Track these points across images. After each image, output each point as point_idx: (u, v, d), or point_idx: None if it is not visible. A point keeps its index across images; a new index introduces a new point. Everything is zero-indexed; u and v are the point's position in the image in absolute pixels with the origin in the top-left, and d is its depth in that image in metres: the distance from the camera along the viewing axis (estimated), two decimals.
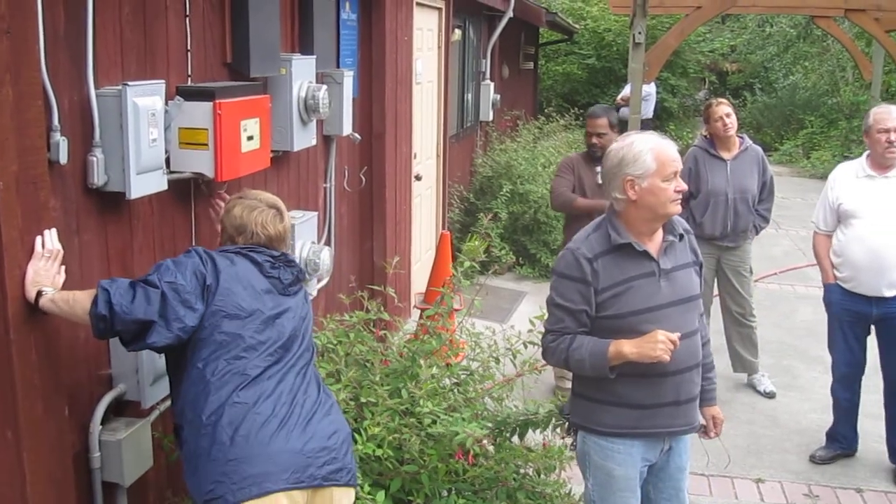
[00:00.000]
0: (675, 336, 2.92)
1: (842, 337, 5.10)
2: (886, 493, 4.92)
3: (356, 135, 5.46)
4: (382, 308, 3.98)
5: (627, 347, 2.94)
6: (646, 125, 15.15)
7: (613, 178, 3.03)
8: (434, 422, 3.42)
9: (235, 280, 2.76)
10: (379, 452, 3.34)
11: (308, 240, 4.41)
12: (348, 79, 5.15)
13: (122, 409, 3.28)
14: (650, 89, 14.46)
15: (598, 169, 5.21)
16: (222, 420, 2.62)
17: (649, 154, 2.96)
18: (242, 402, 2.65)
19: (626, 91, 13.91)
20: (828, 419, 5.57)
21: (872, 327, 5.05)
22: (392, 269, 4.05)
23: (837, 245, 5.00)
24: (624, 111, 14.29)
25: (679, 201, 3.00)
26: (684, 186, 3.01)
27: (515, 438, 3.87)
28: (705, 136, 6.03)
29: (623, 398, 3.06)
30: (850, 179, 4.99)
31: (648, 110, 14.40)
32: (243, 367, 2.70)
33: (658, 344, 2.89)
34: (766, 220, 6.11)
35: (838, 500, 4.84)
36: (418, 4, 6.99)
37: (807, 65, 21.56)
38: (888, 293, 4.83)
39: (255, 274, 2.82)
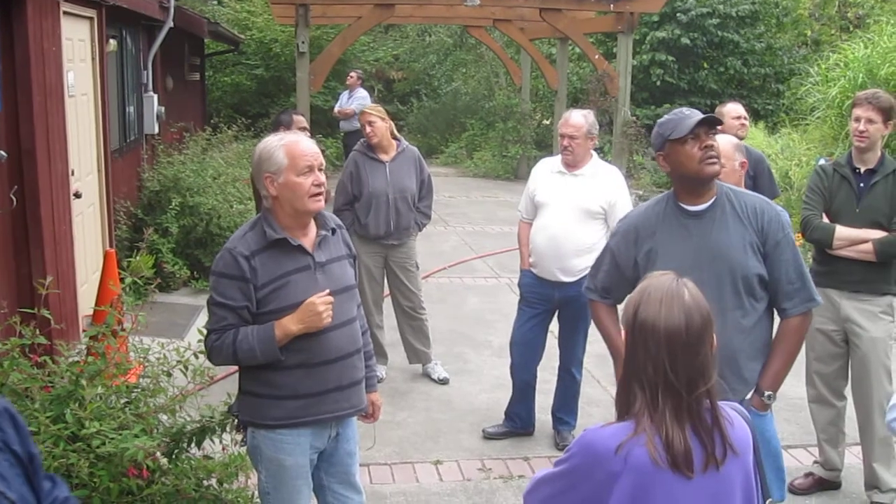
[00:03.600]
0: (326, 294, 3.04)
1: (526, 318, 5.47)
2: (550, 458, 5.34)
3: (1, 152, 5.12)
4: (38, 332, 3.78)
5: (292, 324, 3.03)
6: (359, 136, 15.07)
7: (258, 176, 3.12)
8: (103, 442, 3.32)
9: None
10: None
11: None
12: None
13: None
14: (363, 93, 14.65)
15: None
16: None
17: (280, 150, 3.07)
18: None
19: (349, 105, 13.99)
20: (497, 397, 6.01)
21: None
22: (45, 290, 3.85)
23: (531, 233, 5.39)
24: (343, 124, 14.40)
25: (319, 197, 3.09)
26: (322, 179, 3.10)
27: (195, 449, 3.84)
28: (364, 141, 6.28)
29: (288, 389, 3.13)
30: (546, 173, 5.39)
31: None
32: None
33: (321, 312, 3.02)
34: (428, 217, 6.46)
35: (509, 470, 5.21)
36: (66, 14, 6.66)
37: (464, 71, 22.89)
38: (565, 279, 5.24)
39: None
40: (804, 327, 3.42)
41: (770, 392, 3.38)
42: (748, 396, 3.39)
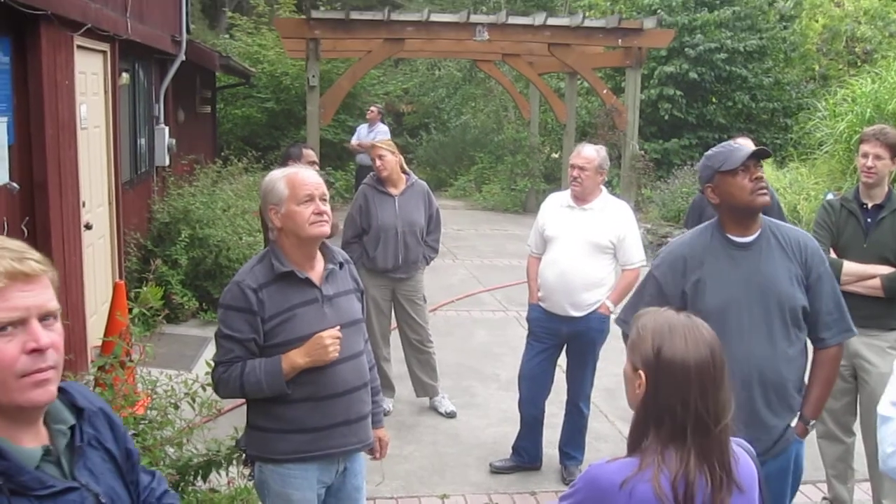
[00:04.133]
0: (336, 329, 3.07)
1: (534, 353, 5.45)
2: (557, 493, 5.28)
3: (14, 184, 5.17)
4: None
5: (300, 358, 3.04)
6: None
7: (265, 211, 3.16)
8: None
9: None
10: None
11: None
12: (1, 125, 4.88)
13: None
14: (384, 128, 14.81)
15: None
16: None
17: (282, 182, 3.11)
18: None
19: (370, 139, 14.06)
20: (505, 431, 5.98)
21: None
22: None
23: (541, 267, 5.40)
24: (360, 157, 14.47)
25: (322, 223, 3.10)
26: (324, 208, 3.11)
27: (201, 482, 3.84)
28: (374, 174, 6.32)
29: (295, 423, 3.13)
30: (556, 208, 5.40)
31: None
32: None
33: (328, 346, 3.03)
34: (435, 251, 6.48)
35: None
36: (80, 47, 6.74)
37: (474, 105, 23.02)
38: (575, 313, 5.24)
39: None
40: (840, 356, 3.53)
41: (814, 420, 3.48)
42: (793, 424, 3.45)
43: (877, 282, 4.53)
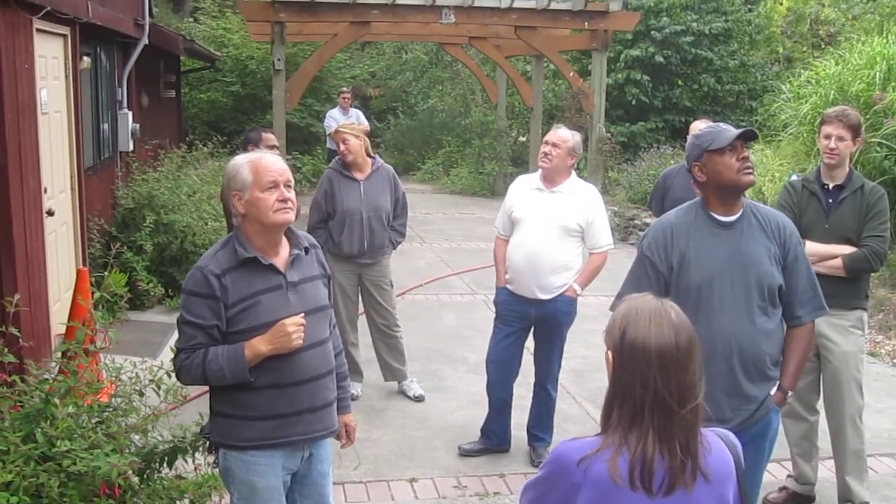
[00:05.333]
0: (300, 317, 3.05)
1: (502, 336, 5.47)
2: (525, 475, 5.34)
3: None
4: (6, 350, 3.74)
5: (263, 345, 3.01)
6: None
7: (227, 195, 3.11)
8: (74, 462, 3.29)
9: None
10: (14, 501, 3.14)
11: None
12: None
13: None
14: (359, 112, 14.75)
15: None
16: None
17: (246, 167, 3.06)
18: None
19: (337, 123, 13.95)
20: (473, 414, 6.00)
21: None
22: (13, 308, 3.82)
23: (508, 250, 5.40)
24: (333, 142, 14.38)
25: (286, 210, 3.06)
26: (288, 195, 3.07)
27: (167, 469, 3.81)
28: (339, 159, 6.28)
29: (260, 410, 3.10)
30: (524, 190, 5.40)
31: None
32: None
33: (292, 334, 3.01)
34: (402, 235, 6.46)
35: (484, 487, 5.19)
36: (39, 31, 6.63)
37: (441, 88, 22.97)
38: (542, 296, 5.26)
39: None
40: (813, 330, 3.71)
41: (791, 391, 3.65)
42: (772, 392, 3.59)
43: (838, 262, 4.58)
